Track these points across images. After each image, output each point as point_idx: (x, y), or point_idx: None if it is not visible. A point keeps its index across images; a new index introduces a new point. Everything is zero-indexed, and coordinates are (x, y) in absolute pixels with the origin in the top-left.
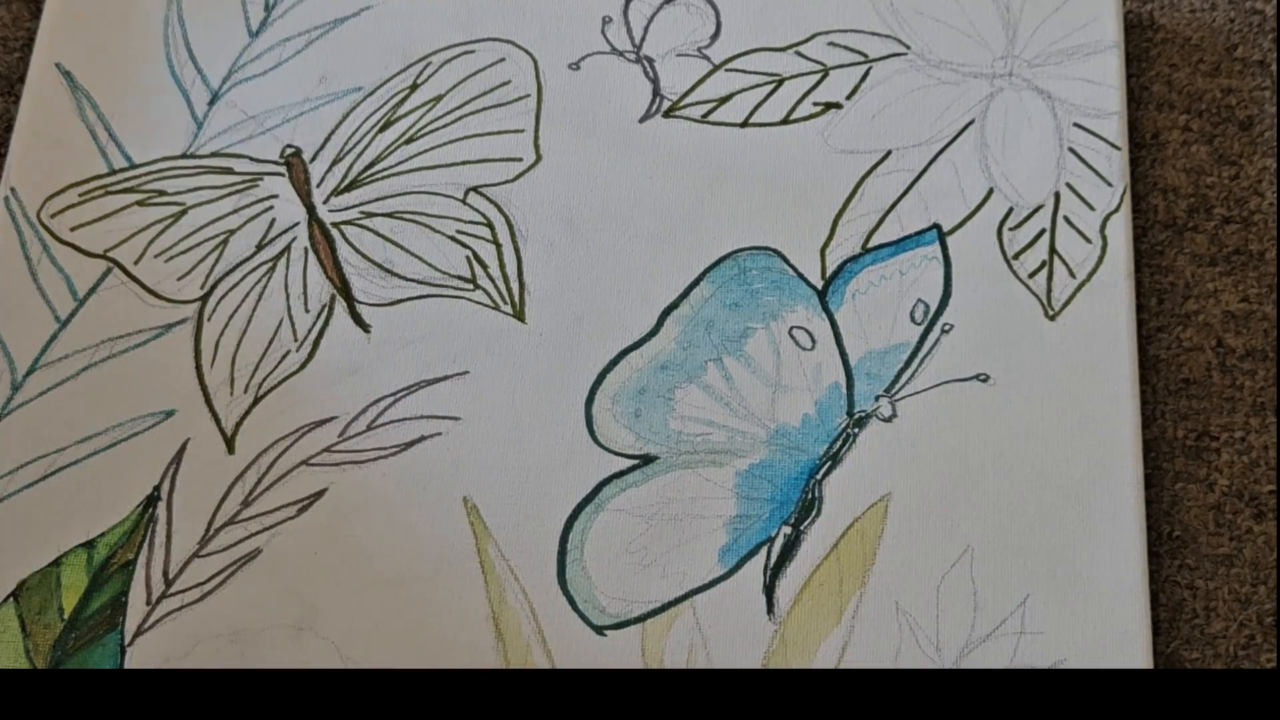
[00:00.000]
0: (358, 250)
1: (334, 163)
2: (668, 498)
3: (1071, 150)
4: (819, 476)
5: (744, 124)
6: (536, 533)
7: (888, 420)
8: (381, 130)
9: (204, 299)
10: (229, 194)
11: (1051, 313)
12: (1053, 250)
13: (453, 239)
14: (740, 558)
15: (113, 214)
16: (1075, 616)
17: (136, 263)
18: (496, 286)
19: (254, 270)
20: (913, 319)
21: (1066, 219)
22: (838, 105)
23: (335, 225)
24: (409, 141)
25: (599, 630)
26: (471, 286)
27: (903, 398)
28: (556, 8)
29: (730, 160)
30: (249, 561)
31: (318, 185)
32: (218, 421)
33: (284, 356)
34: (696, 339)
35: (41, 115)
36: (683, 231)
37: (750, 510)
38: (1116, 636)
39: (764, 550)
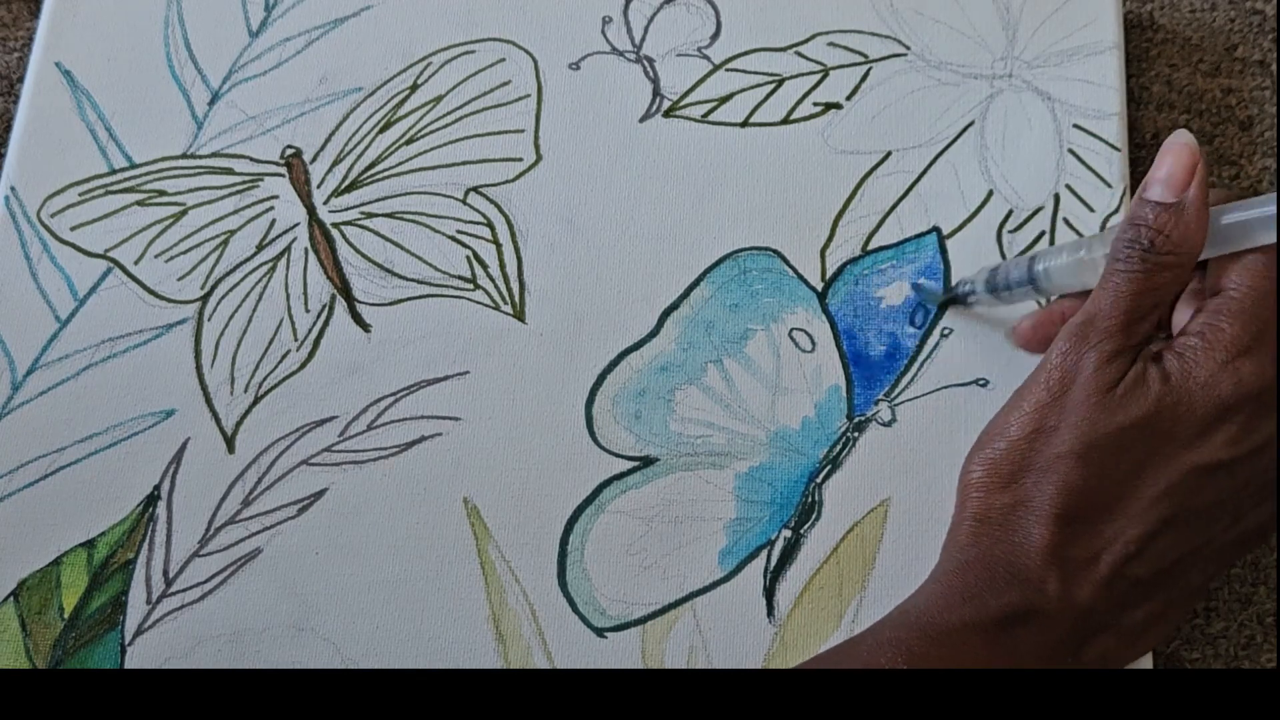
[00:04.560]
0: (358, 250)
1: (334, 163)
2: (668, 500)
3: (1071, 151)
4: (819, 480)
5: (744, 124)
6: (537, 534)
7: (887, 425)
8: (382, 131)
9: (204, 299)
10: (229, 194)
11: None
12: None
13: (453, 239)
14: (740, 560)
15: (113, 214)
16: None
17: (136, 263)
18: (497, 286)
19: (254, 270)
20: (912, 323)
21: (1066, 221)
22: (838, 106)
23: (335, 225)
24: (409, 142)
25: (599, 632)
26: (472, 286)
27: (902, 402)
28: (556, 8)
29: (730, 160)
30: (249, 561)
31: (318, 185)
32: (218, 421)
33: (284, 356)
34: (696, 340)
35: (41, 115)
36: (683, 231)
37: (750, 513)
38: None
39: (764, 553)
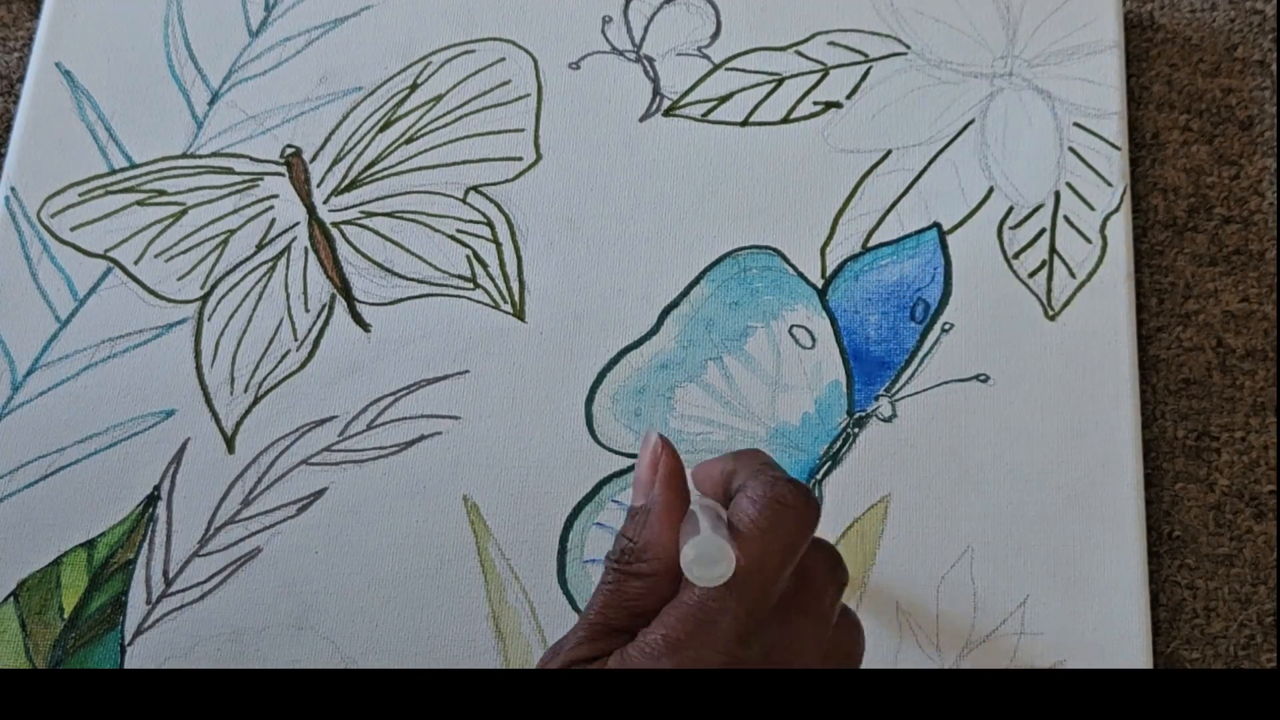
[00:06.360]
0: (358, 250)
1: (334, 162)
2: None
3: (1071, 150)
4: (819, 476)
5: (744, 123)
6: (536, 532)
7: (887, 420)
8: (381, 130)
9: (204, 299)
10: (229, 194)
11: (1051, 313)
12: (1053, 250)
13: (453, 238)
14: None
15: (113, 214)
16: (1075, 617)
17: (136, 263)
18: (497, 285)
19: (254, 270)
20: (913, 318)
21: (1066, 218)
22: (838, 104)
23: (335, 225)
24: (409, 141)
25: None
26: (472, 286)
27: (903, 398)
28: (556, 8)
29: (730, 160)
30: (249, 561)
31: (318, 185)
32: (218, 421)
33: (284, 356)
34: (696, 338)
35: (41, 115)
36: (683, 230)
37: None
38: (1116, 636)
39: None
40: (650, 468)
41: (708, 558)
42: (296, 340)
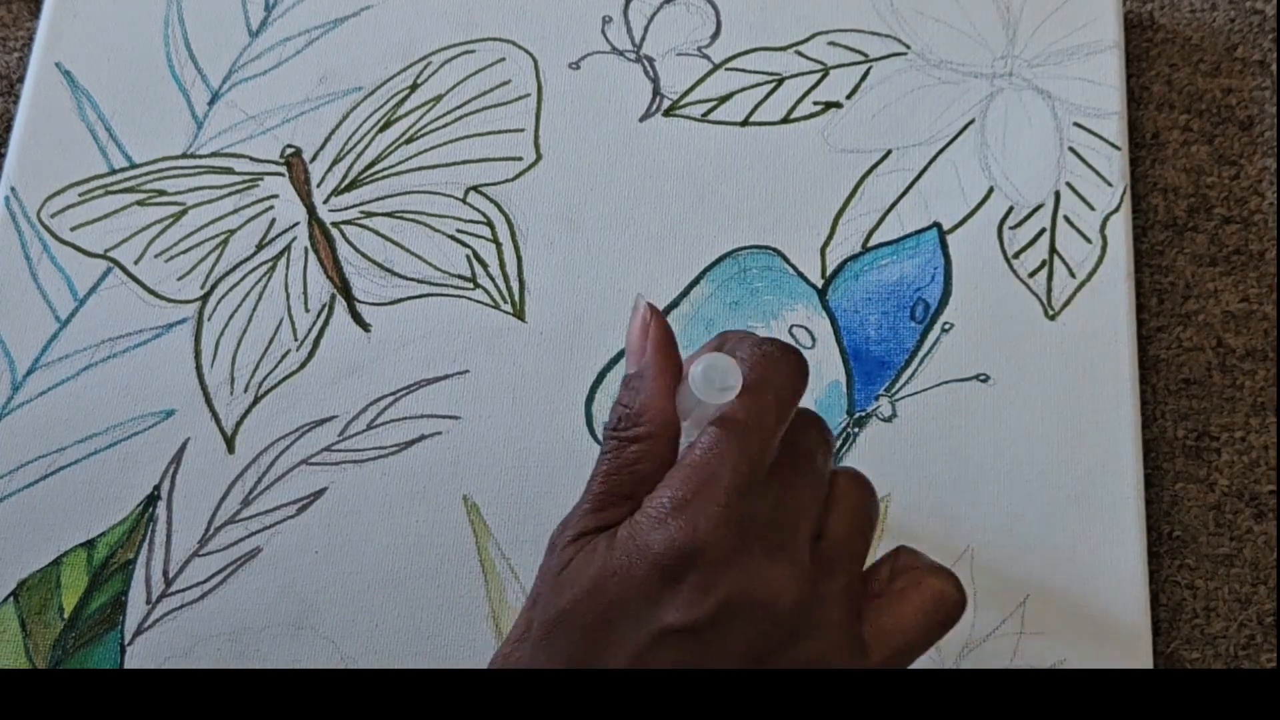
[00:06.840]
0: (358, 250)
1: (334, 162)
2: None
3: (1071, 150)
4: None
5: (744, 123)
6: (536, 531)
7: (888, 420)
8: (381, 130)
9: (204, 299)
10: (229, 194)
11: (1051, 313)
12: (1053, 250)
13: (453, 238)
14: None
15: (113, 214)
16: (1075, 616)
17: (136, 263)
18: (496, 285)
19: (254, 270)
20: (913, 317)
21: (1067, 218)
22: (838, 105)
23: (335, 225)
24: (409, 141)
25: None
26: (471, 285)
27: (903, 397)
28: (556, 8)
29: (730, 160)
30: (249, 561)
31: (318, 185)
32: (218, 421)
33: (284, 356)
34: (696, 338)
35: (41, 115)
36: (683, 230)
37: None
38: (1116, 636)
39: None
40: (641, 333)
41: (716, 371)
42: (296, 340)
